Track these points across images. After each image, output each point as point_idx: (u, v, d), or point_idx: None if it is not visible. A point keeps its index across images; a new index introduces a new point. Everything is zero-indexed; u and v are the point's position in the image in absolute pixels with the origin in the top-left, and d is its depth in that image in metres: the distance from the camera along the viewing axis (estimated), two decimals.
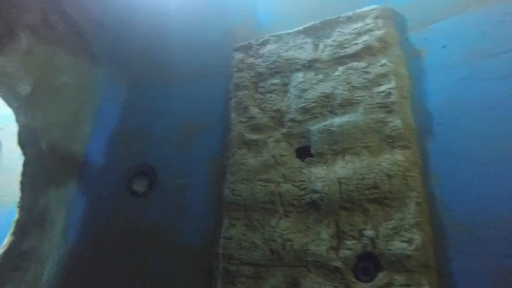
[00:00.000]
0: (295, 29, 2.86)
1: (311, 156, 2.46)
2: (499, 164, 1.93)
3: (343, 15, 2.67)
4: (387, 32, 2.49)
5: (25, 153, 3.01)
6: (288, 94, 2.71)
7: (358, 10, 2.63)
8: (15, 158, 3.24)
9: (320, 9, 2.89)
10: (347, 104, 2.44)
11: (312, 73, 2.66)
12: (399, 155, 2.15)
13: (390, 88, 2.32)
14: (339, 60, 2.60)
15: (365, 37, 2.53)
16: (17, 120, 2.98)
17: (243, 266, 2.36)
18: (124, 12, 3.54)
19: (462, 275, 1.85)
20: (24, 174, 2.98)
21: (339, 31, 2.66)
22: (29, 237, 2.94)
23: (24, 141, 3.00)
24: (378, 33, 2.49)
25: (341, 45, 2.62)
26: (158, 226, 2.89)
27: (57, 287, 2.95)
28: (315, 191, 2.31)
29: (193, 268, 2.62)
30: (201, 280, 2.53)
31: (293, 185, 2.43)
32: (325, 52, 2.68)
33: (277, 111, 2.71)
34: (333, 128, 2.41)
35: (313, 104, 2.56)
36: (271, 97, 2.78)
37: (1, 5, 2.69)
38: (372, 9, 2.58)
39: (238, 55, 3.08)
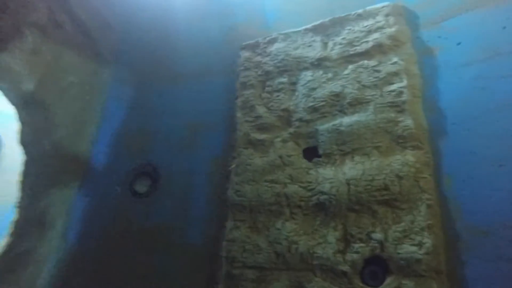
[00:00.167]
0: (304, 27, 2.81)
1: (319, 156, 2.39)
2: None
3: (353, 12, 2.61)
4: (399, 30, 2.43)
5: (26, 152, 2.96)
6: (296, 93, 2.65)
7: (368, 8, 2.57)
8: (18, 158, 3.20)
9: (327, 7, 2.84)
10: (357, 103, 2.37)
11: (321, 72, 2.60)
12: (410, 156, 2.08)
13: (401, 87, 2.26)
14: (348, 59, 2.54)
15: (376, 35, 2.47)
16: (19, 118, 2.94)
17: (247, 269, 2.29)
18: (131, 11, 3.54)
19: (476, 280, 1.78)
20: (24, 173, 2.93)
21: (349, 29, 2.60)
22: (27, 238, 2.88)
23: (25, 139, 2.96)
24: (389, 30, 2.43)
25: (351, 43, 2.56)
26: (160, 226, 2.85)
27: None
28: (322, 193, 2.24)
29: (195, 269, 2.57)
30: (203, 281, 2.49)
31: (300, 186, 2.36)
32: (334, 50, 2.61)
33: (284, 110, 2.65)
34: (342, 128, 2.34)
35: (321, 103, 2.49)
36: (278, 96, 2.72)
37: (7, 3, 2.68)
38: (383, 6, 2.52)
39: (245, 54, 3.03)
